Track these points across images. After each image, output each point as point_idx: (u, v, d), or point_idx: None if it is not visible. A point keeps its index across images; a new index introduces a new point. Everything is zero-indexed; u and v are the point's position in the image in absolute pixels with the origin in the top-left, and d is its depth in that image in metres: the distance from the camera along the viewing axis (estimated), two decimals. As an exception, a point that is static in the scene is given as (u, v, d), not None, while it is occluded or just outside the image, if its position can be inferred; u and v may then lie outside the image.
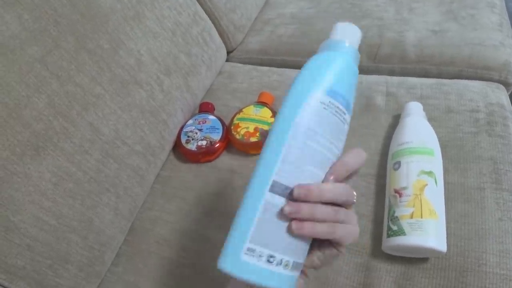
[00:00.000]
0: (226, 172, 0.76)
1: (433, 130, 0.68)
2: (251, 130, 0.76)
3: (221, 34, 0.98)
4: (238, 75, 0.95)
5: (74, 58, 0.61)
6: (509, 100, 0.77)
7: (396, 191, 0.60)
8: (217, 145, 0.77)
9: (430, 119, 0.72)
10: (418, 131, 0.67)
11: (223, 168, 0.76)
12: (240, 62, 1.02)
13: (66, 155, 0.59)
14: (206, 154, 0.77)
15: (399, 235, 0.56)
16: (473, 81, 0.82)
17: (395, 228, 0.57)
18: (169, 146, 0.80)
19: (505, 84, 0.83)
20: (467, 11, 0.95)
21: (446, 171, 0.65)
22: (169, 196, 0.76)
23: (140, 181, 0.72)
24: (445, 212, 0.58)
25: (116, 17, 0.69)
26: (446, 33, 0.91)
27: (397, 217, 0.57)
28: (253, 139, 0.75)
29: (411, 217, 0.56)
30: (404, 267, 0.58)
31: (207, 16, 0.92)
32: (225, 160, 0.78)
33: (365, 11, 1.03)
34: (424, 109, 0.71)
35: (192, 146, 0.77)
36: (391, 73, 0.89)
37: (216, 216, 0.70)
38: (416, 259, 0.58)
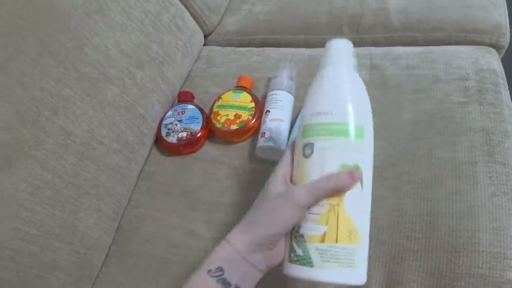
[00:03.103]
0: (209, 162, 0.73)
1: (365, 91, 0.44)
2: (231, 117, 0.73)
3: (195, 18, 0.93)
4: (216, 59, 0.91)
5: (36, 61, 0.59)
6: (501, 65, 0.73)
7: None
8: (198, 135, 0.74)
9: (417, 91, 0.68)
10: (341, 96, 0.43)
11: (206, 159, 0.74)
12: (219, 45, 0.97)
13: (39, 163, 0.58)
14: (187, 146, 0.75)
15: (305, 264, 0.40)
16: (462, 46, 0.77)
17: (299, 252, 0.41)
18: (149, 140, 0.78)
19: (497, 48, 0.78)
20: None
21: (435, 145, 0.62)
22: (154, 192, 0.74)
23: (122, 179, 0.71)
24: (433, 190, 0.55)
25: (77, 13, 0.66)
26: (433, -4, 0.85)
27: (303, 236, 0.41)
28: (233, 127, 0.72)
29: (323, 241, 0.39)
30: (394, 251, 0.56)
31: (177, 1, 0.87)
32: (208, 150, 0.75)
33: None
34: (411, 80, 0.67)
35: (172, 139, 0.75)
36: (376, 44, 0.84)
37: (201, 209, 0.68)
38: (405, 241, 0.56)
